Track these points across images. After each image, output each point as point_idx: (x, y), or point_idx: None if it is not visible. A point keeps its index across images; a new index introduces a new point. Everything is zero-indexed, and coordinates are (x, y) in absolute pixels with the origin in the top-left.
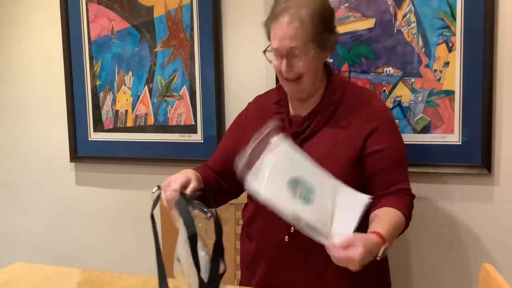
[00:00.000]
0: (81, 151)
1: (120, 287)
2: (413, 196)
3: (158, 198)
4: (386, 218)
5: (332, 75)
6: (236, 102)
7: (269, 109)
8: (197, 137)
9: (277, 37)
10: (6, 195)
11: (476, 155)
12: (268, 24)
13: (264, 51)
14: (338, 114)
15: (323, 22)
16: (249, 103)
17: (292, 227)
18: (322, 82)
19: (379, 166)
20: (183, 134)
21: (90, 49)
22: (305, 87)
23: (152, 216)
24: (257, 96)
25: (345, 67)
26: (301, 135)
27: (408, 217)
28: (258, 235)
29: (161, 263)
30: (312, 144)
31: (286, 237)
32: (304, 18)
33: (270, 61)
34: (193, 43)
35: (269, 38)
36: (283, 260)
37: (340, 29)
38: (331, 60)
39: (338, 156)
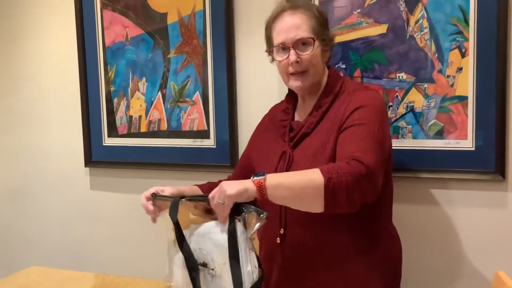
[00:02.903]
0: (95, 156)
1: None
2: (359, 162)
3: (177, 203)
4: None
5: (330, 77)
6: (248, 108)
7: (278, 116)
8: (209, 142)
9: (282, 32)
10: (22, 200)
11: (490, 161)
12: (270, 26)
13: (268, 51)
14: (330, 113)
15: (321, 18)
16: (269, 109)
17: (282, 229)
18: (322, 83)
19: (341, 140)
20: (196, 140)
21: (104, 55)
22: (310, 81)
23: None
24: (275, 104)
25: (357, 73)
26: (293, 140)
27: (325, 171)
28: (259, 238)
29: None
30: (302, 147)
31: (278, 238)
32: (306, 12)
33: (272, 61)
34: (206, 49)
35: (268, 43)
36: (279, 261)
37: (352, 35)
38: (344, 66)
39: (325, 155)
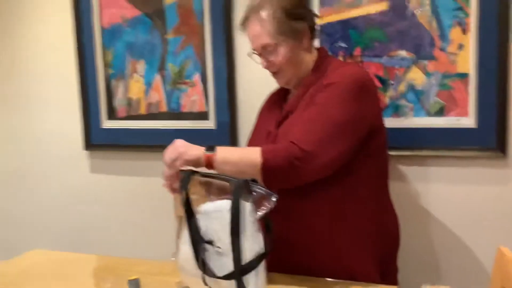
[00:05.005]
0: (94, 139)
1: (136, 272)
2: (296, 145)
3: (189, 176)
4: None
5: (318, 59)
6: (248, 88)
7: (274, 99)
8: (209, 124)
9: (250, 40)
10: (22, 184)
11: (491, 138)
12: (244, 30)
13: (249, 54)
14: (310, 90)
15: (287, 13)
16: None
17: None
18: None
19: (294, 123)
20: (195, 121)
21: (101, 37)
22: (288, 77)
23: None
24: (276, 88)
25: (357, 51)
26: (279, 119)
27: (264, 151)
28: None
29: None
30: (285, 125)
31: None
32: (264, 17)
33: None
34: (204, 29)
35: None
36: None
37: (353, 12)
38: (344, 45)
39: None
